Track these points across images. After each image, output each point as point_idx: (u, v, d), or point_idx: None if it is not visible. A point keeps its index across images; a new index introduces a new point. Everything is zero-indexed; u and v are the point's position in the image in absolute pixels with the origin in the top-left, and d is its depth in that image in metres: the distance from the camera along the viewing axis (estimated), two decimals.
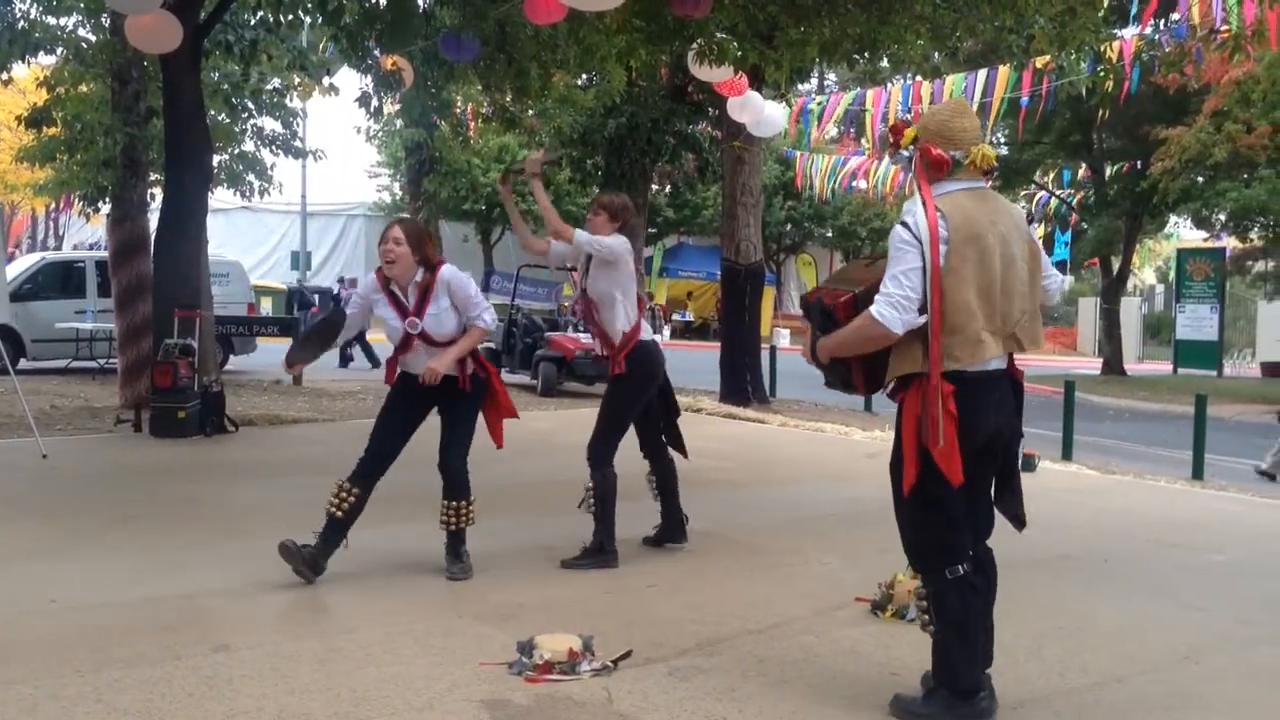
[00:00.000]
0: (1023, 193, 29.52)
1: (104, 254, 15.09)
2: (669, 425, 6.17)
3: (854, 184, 28.76)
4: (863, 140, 26.69)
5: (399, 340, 5.47)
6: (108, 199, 13.27)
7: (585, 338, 16.65)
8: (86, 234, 33.40)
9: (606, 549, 5.75)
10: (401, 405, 5.55)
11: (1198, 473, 10.84)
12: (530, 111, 16.07)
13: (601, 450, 5.77)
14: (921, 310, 3.55)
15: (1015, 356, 3.80)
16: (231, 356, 17.66)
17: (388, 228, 5.45)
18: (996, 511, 3.85)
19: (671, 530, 6.16)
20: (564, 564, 5.73)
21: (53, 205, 25.58)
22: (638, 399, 5.85)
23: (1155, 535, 7.10)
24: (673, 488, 6.15)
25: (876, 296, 3.59)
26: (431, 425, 5.54)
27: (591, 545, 5.76)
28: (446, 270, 5.42)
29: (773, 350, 18.16)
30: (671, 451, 6.20)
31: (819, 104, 23.51)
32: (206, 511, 6.96)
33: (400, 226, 5.43)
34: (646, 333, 5.86)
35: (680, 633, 4.66)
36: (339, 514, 5.31)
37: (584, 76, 17.00)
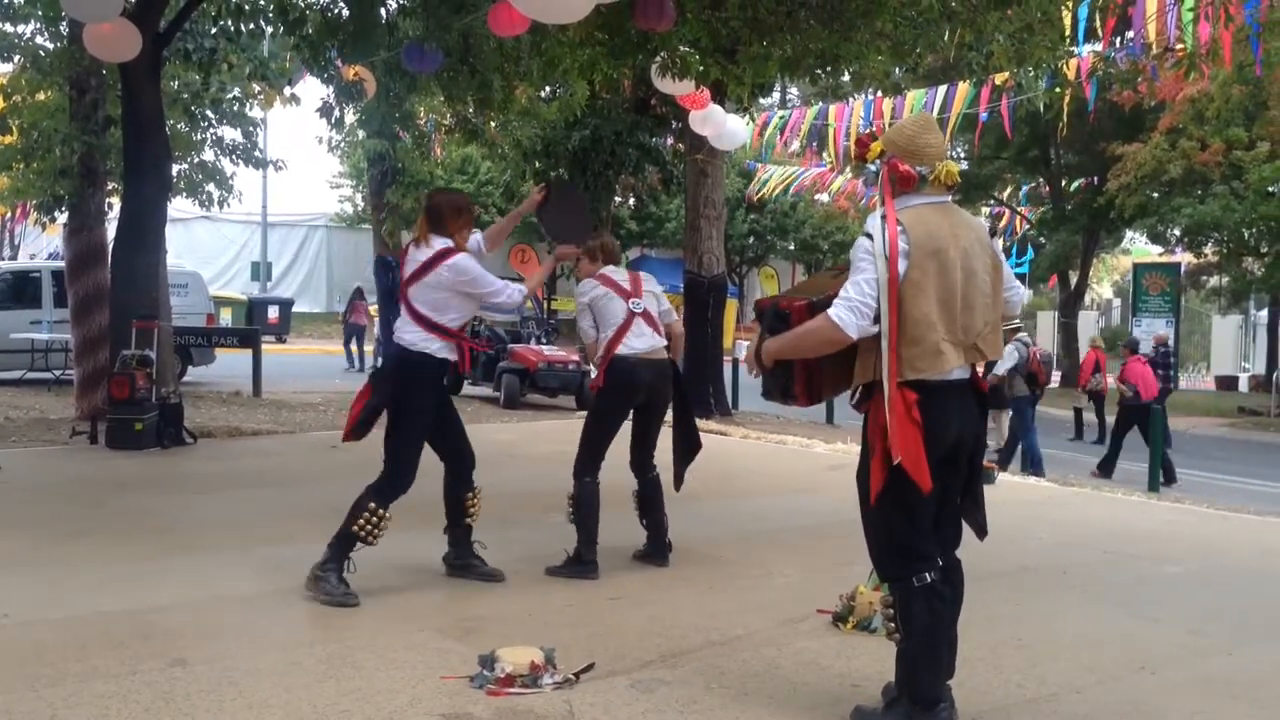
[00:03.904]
0: (984, 208, 29.87)
1: (60, 264, 14.90)
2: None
3: (818, 197, 28.95)
4: (824, 154, 26.89)
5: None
6: (64, 208, 13.11)
7: (548, 349, 16.67)
8: (42, 244, 32.94)
9: (584, 559, 5.76)
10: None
11: (1153, 485, 11.01)
12: (493, 123, 16.06)
13: (581, 462, 5.83)
14: (875, 320, 3.59)
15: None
16: (190, 368, 17.48)
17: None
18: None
19: (655, 548, 6.12)
20: (549, 571, 5.77)
21: (8, 214, 25.19)
22: (613, 412, 5.88)
23: (1112, 547, 7.18)
24: (657, 506, 6.09)
25: (836, 299, 3.63)
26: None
27: (572, 555, 5.79)
28: (456, 260, 5.26)
29: (735, 363, 18.20)
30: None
31: (781, 118, 23.70)
32: (163, 524, 6.87)
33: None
34: (630, 348, 5.78)
35: (642, 645, 4.65)
36: (371, 542, 5.20)
37: (547, 89, 17.03)
